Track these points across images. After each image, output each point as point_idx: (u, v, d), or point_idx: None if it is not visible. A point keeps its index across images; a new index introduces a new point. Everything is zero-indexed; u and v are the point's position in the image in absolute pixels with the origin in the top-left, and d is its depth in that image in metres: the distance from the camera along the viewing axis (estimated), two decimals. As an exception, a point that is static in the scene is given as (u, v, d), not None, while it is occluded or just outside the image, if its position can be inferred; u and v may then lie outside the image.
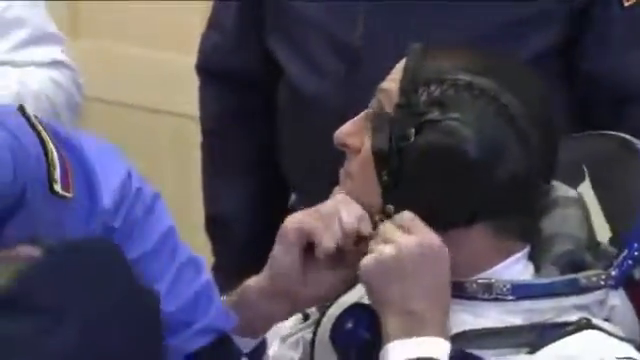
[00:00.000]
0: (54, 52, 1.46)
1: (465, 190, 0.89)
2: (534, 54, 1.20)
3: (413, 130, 0.89)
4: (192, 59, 1.46)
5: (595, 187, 0.96)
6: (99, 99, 2.39)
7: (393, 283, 0.89)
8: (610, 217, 0.94)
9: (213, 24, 1.38)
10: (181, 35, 2.22)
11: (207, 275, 1.01)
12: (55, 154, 0.91)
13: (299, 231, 0.91)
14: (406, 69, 0.93)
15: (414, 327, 0.87)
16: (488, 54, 0.99)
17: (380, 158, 0.91)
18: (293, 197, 1.38)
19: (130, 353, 0.85)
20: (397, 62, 0.96)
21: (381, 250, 0.89)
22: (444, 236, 0.88)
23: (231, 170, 1.40)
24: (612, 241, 0.94)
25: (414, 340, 0.87)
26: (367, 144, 0.94)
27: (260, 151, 1.37)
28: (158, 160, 2.19)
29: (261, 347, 0.99)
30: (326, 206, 0.94)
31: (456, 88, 0.90)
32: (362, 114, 0.96)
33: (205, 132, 1.43)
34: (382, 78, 0.97)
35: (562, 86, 1.23)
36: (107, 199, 0.95)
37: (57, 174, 0.91)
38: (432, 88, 0.90)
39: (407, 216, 0.90)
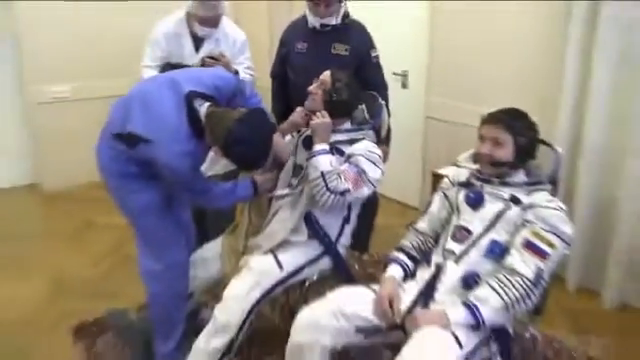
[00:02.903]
0: (250, 62, 3.65)
1: (347, 108, 2.82)
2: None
3: (335, 95, 2.78)
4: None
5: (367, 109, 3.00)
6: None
7: (320, 130, 2.69)
8: (371, 115, 2.92)
9: (276, 57, 3.57)
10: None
11: None
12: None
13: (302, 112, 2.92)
14: (332, 76, 2.78)
15: (323, 140, 2.68)
16: (345, 72, 2.87)
17: (326, 100, 2.77)
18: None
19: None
20: (319, 74, 2.84)
21: (317, 120, 2.69)
22: (334, 119, 2.75)
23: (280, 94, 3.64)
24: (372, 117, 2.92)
25: (324, 144, 2.69)
26: (320, 94, 2.77)
27: (288, 92, 3.54)
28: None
29: None
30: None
31: (345, 84, 2.80)
32: (316, 85, 2.80)
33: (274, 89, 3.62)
34: (315, 77, 2.90)
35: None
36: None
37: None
38: (338, 85, 2.78)
39: (325, 113, 2.76)
